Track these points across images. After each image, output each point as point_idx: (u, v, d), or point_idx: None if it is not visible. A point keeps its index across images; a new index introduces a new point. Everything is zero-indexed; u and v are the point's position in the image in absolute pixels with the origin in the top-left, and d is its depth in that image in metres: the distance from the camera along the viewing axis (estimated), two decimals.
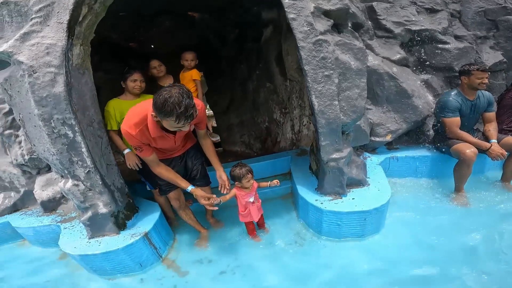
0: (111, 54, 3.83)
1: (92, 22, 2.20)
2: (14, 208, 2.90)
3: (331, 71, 1.96)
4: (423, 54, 2.98)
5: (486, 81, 2.44)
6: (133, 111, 1.80)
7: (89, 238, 2.23)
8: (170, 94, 1.48)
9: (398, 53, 2.92)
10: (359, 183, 2.37)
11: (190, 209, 2.44)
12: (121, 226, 2.25)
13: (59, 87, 1.96)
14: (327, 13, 1.98)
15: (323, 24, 1.96)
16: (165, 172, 1.98)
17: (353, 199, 2.22)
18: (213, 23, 3.93)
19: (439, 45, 2.90)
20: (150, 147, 1.88)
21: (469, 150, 2.40)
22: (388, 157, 2.89)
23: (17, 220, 2.71)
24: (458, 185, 2.56)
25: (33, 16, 1.97)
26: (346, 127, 2.17)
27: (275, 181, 2.15)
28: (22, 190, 2.90)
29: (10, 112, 2.76)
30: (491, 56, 3.04)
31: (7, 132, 2.82)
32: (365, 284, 1.84)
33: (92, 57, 2.33)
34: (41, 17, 1.97)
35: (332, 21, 2.03)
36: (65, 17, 1.96)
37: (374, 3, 2.88)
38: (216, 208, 2.04)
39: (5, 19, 2.03)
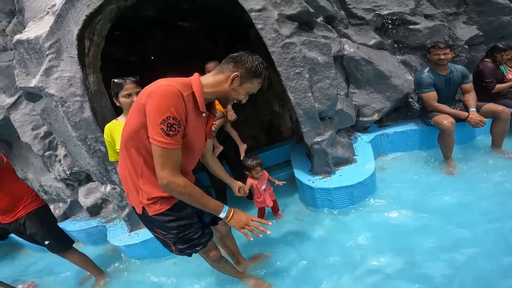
0: (116, 69, 4.29)
1: (96, 52, 2.59)
2: (65, 217, 3.49)
3: (301, 68, 2.28)
4: (397, 36, 3.19)
5: (444, 56, 2.61)
6: (169, 79, 1.23)
7: (129, 232, 2.69)
8: (254, 56, 1.33)
9: (373, 38, 3.14)
10: (347, 161, 2.66)
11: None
12: None
13: (87, 112, 2.37)
14: (290, 17, 2.27)
15: (288, 28, 2.26)
16: (191, 185, 1.29)
17: (340, 176, 2.52)
18: (203, 28, 4.29)
19: (410, 26, 3.10)
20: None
21: (446, 121, 2.59)
22: (378, 134, 3.13)
23: (70, 226, 3.24)
24: (445, 154, 2.74)
25: (47, 52, 2.32)
26: (324, 113, 2.48)
27: (282, 182, 2.51)
28: (68, 200, 3.50)
29: (45, 136, 3.29)
30: (465, 31, 3.19)
31: (47, 153, 3.37)
32: (355, 244, 2.11)
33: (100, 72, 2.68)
34: (54, 52, 2.32)
35: (296, 23, 2.31)
36: (74, 52, 2.31)
37: None
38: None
39: (25, 56, 2.42)
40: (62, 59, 2.36)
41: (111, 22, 2.55)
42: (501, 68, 3.12)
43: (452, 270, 1.72)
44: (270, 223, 1.53)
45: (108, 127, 1.99)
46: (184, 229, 1.45)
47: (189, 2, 3.35)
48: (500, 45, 2.99)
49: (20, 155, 3.58)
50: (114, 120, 2.02)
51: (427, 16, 3.16)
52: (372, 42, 3.15)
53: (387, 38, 3.25)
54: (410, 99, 3.12)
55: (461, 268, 1.72)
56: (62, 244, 2.39)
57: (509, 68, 3.16)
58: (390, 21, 3.11)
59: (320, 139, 2.44)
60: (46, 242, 2.30)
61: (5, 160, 2.11)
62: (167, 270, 2.46)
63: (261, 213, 2.67)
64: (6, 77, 3.25)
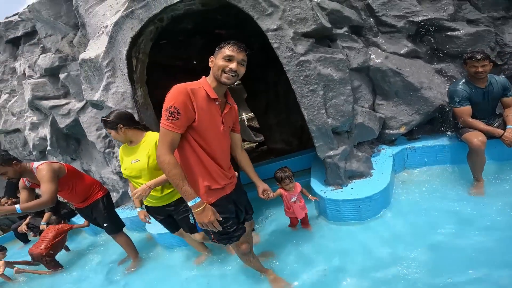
0: (164, 73, 4.81)
1: (142, 68, 3.03)
2: (116, 205, 4.14)
3: (315, 86, 2.36)
4: (434, 44, 2.96)
5: (482, 69, 2.38)
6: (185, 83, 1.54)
7: None
8: None
9: (405, 46, 2.98)
10: (362, 174, 2.67)
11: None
12: None
13: None
14: (306, 35, 2.35)
15: (303, 45, 2.35)
16: (177, 165, 1.47)
17: (351, 189, 2.55)
18: (238, 36, 4.54)
19: (449, 33, 2.85)
20: (187, 125, 1.50)
21: (476, 139, 2.40)
22: (405, 148, 3.02)
23: (120, 213, 3.69)
24: (474, 174, 2.54)
25: (105, 70, 2.79)
26: (340, 128, 2.52)
27: (315, 198, 2.57)
28: (120, 191, 4.14)
29: (106, 136, 3.94)
30: None
31: (107, 150, 4.05)
32: (353, 261, 2.13)
33: (150, 77, 3.10)
34: (110, 70, 2.78)
35: (312, 40, 2.38)
36: (125, 70, 2.75)
37: (370, 0, 2.97)
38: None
39: (89, 73, 2.93)
40: (117, 76, 2.85)
41: (152, 41, 2.95)
42: None
43: None
44: (220, 228, 1.63)
45: (120, 149, 2.28)
46: (224, 222, 1.67)
47: (223, 13, 3.60)
48: None
49: (86, 150, 4.35)
50: (126, 144, 2.22)
51: (470, 21, 2.87)
52: (403, 50, 3.00)
53: (423, 46, 3.04)
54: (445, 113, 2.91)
55: None
56: (116, 227, 2.95)
57: None
58: (424, 28, 2.91)
59: (332, 154, 2.50)
60: (105, 225, 2.89)
61: (66, 168, 2.59)
62: (192, 258, 2.79)
63: (293, 222, 2.70)
64: (76, 84, 3.95)
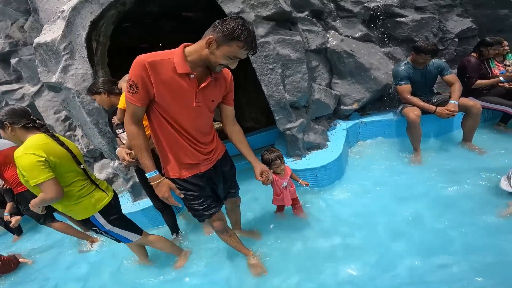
0: (129, 56, 4.71)
1: (103, 51, 3.01)
2: None
3: (274, 64, 2.55)
4: (385, 29, 3.28)
5: (428, 63, 2.74)
6: (155, 52, 1.38)
7: (133, 201, 3.20)
8: (240, 20, 1.28)
9: (360, 31, 3.27)
10: (318, 146, 2.95)
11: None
12: None
13: None
14: (266, 18, 2.50)
15: (264, 28, 2.50)
16: (137, 136, 1.45)
17: (309, 159, 2.83)
18: (208, 17, 4.54)
19: (397, 19, 3.17)
20: (148, 99, 1.40)
21: (412, 113, 2.75)
22: (357, 122, 3.36)
23: None
24: (413, 145, 2.91)
25: (63, 53, 2.73)
26: (297, 103, 2.75)
27: (305, 183, 2.32)
28: None
29: (65, 119, 3.86)
30: (458, 24, 3.20)
31: (67, 133, 3.95)
32: (316, 226, 2.34)
33: (113, 60, 3.09)
34: (68, 53, 2.73)
35: (273, 22, 2.54)
36: (84, 52, 2.72)
37: None
38: None
39: (45, 56, 2.84)
40: (75, 59, 2.80)
41: (114, 24, 2.93)
42: (489, 63, 3.08)
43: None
44: (180, 205, 1.63)
45: None
46: (192, 199, 1.63)
47: None
48: (488, 39, 2.91)
49: None
50: None
51: (417, 8, 3.19)
52: (358, 34, 3.28)
53: (375, 30, 3.34)
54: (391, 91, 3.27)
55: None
56: (40, 220, 2.97)
57: (497, 63, 3.12)
58: (377, 14, 3.19)
59: (290, 126, 2.75)
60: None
61: None
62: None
63: (280, 210, 2.52)
64: (29, 68, 3.79)
